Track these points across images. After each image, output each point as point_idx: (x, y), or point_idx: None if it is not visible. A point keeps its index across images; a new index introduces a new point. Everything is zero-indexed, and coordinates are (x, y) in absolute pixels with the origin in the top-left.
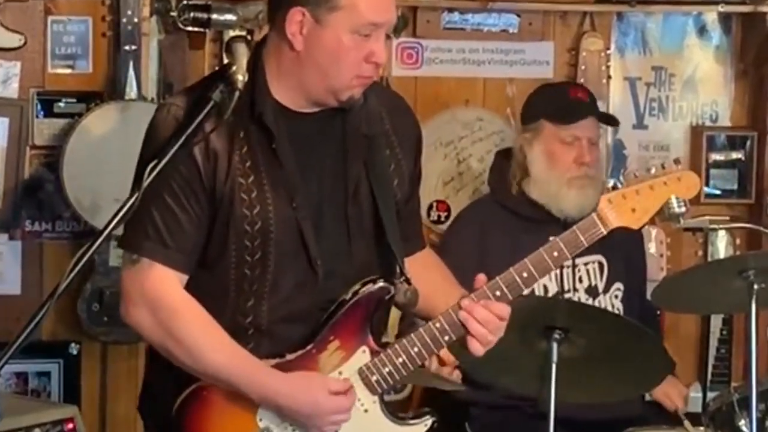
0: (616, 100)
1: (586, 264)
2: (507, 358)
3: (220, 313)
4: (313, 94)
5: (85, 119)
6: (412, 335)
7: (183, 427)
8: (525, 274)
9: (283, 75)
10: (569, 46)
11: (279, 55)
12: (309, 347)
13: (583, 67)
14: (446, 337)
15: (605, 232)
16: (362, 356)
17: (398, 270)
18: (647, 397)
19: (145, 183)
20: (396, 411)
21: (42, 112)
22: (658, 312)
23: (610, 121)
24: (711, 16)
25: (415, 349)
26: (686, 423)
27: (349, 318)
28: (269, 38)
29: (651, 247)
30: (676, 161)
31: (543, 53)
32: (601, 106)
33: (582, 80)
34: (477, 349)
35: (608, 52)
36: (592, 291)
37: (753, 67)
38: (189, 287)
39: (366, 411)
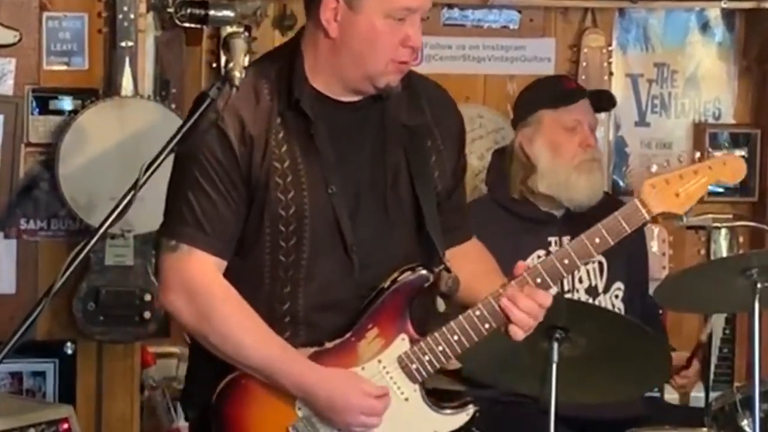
0: (617, 97)
1: (586, 264)
2: (507, 358)
3: (257, 300)
4: (350, 81)
5: (80, 116)
6: (452, 323)
7: (223, 415)
8: (566, 261)
9: (321, 63)
10: (570, 43)
11: (316, 43)
12: (348, 335)
13: (584, 64)
14: (486, 325)
15: (648, 218)
16: (401, 344)
17: (438, 258)
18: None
19: (142, 181)
20: (438, 400)
21: (37, 109)
22: (660, 311)
23: (607, 102)
24: (714, 12)
25: (455, 337)
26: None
27: (388, 306)
28: (306, 28)
29: (653, 246)
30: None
31: (544, 50)
32: None
33: (583, 77)
34: (518, 335)
35: (610, 48)
36: (592, 291)
37: (756, 64)
38: (226, 275)
39: (406, 399)
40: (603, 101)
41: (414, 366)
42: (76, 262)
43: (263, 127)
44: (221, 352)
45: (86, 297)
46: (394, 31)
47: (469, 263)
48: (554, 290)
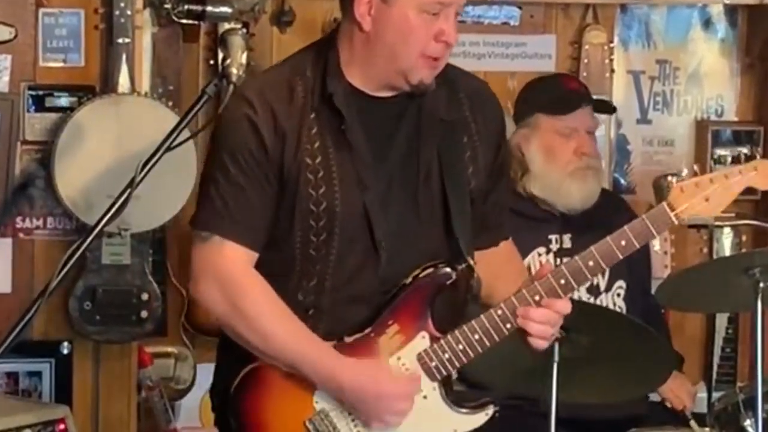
0: (619, 94)
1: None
2: (507, 358)
3: (283, 291)
4: (383, 76)
5: (77, 114)
6: (473, 322)
7: (240, 407)
8: (591, 263)
9: (356, 58)
10: (571, 39)
11: (351, 38)
12: (368, 330)
13: (585, 61)
14: (508, 325)
15: (676, 222)
16: (421, 341)
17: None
18: (653, 397)
19: (138, 179)
20: (458, 399)
21: (33, 107)
22: (663, 311)
23: (606, 108)
24: (716, 8)
25: (476, 336)
26: (693, 423)
27: (408, 302)
28: (341, 24)
29: (655, 245)
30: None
31: (545, 46)
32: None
33: (584, 74)
34: (541, 345)
35: (611, 45)
36: (593, 290)
37: (759, 61)
38: (256, 266)
39: (425, 397)
40: (601, 108)
41: (433, 363)
42: (72, 261)
43: (296, 122)
44: (250, 343)
45: (82, 296)
46: (428, 25)
47: (496, 264)
48: (577, 294)
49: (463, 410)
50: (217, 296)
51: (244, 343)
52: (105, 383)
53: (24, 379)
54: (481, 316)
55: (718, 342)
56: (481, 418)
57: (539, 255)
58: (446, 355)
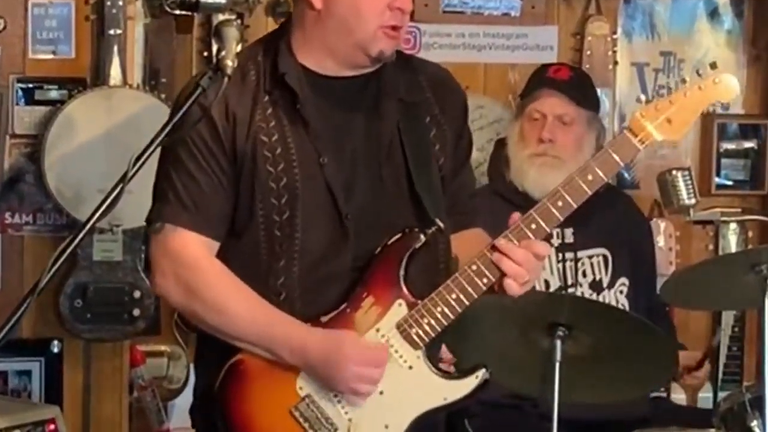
0: (622, 86)
1: (590, 257)
2: (508, 357)
3: (253, 278)
4: (341, 53)
5: (67, 107)
6: (449, 282)
7: (225, 403)
8: (560, 203)
9: (309, 39)
10: (574, 31)
11: (302, 20)
12: (343, 306)
13: (588, 53)
14: (484, 280)
15: (641, 148)
16: (399, 310)
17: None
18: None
19: (131, 173)
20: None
21: (22, 100)
22: (668, 308)
23: (580, 100)
24: None
25: (453, 296)
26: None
27: (380, 271)
28: (294, 9)
29: (660, 241)
30: (713, 65)
31: (546, 38)
32: (608, 93)
33: (587, 66)
34: (513, 289)
35: (615, 36)
36: (596, 286)
37: (766, 52)
38: (222, 257)
39: (411, 368)
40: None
41: (414, 331)
42: (63, 258)
43: (248, 105)
44: (214, 328)
45: (73, 294)
46: None
47: (466, 244)
48: (556, 284)
49: (452, 375)
50: (173, 285)
51: (208, 328)
52: (96, 383)
53: (13, 379)
54: (456, 274)
55: (724, 340)
56: (472, 382)
57: None
58: (425, 320)
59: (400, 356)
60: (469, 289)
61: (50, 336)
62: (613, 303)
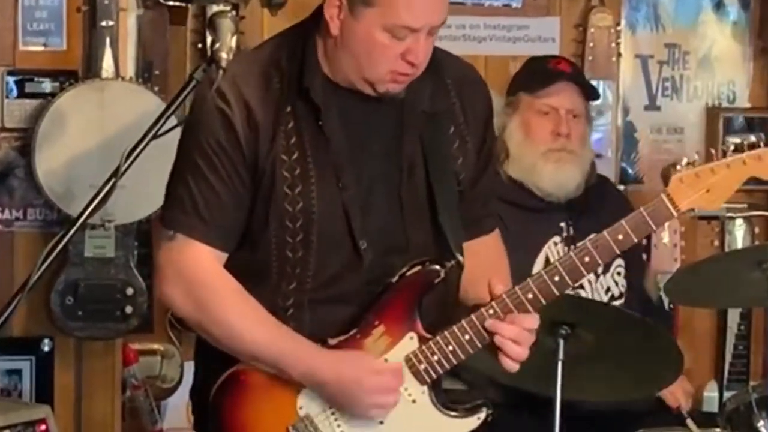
0: (626, 79)
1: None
2: None
3: (261, 295)
4: (351, 79)
5: (58, 100)
6: (463, 321)
7: (221, 415)
8: (587, 259)
9: (329, 53)
10: (576, 22)
11: (326, 33)
12: (353, 332)
13: (591, 45)
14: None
15: (676, 215)
16: (410, 343)
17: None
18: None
19: (123, 168)
20: (448, 402)
21: (13, 92)
22: (671, 306)
23: (590, 93)
24: None
25: (466, 337)
26: (689, 422)
27: (394, 302)
28: (323, 13)
29: (664, 237)
30: (756, 144)
31: (548, 29)
32: (611, 86)
33: (590, 58)
34: (512, 366)
35: (618, 28)
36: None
37: None
38: (230, 267)
39: (414, 401)
40: (584, 91)
41: (422, 366)
42: (54, 254)
43: (271, 116)
44: (221, 343)
45: (64, 291)
46: (394, 45)
47: (483, 257)
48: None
49: (454, 414)
50: (183, 298)
51: (217, 344)
52: (88, 382)
53: (3, 378)
54: (472, 315)
55: (730, 339)
56: (473, 422)
57: (555, 245)
58: (435, 357)
59: (405, 389)
60: (484, 332)
61: (41, 334)
62: (612, 287)
